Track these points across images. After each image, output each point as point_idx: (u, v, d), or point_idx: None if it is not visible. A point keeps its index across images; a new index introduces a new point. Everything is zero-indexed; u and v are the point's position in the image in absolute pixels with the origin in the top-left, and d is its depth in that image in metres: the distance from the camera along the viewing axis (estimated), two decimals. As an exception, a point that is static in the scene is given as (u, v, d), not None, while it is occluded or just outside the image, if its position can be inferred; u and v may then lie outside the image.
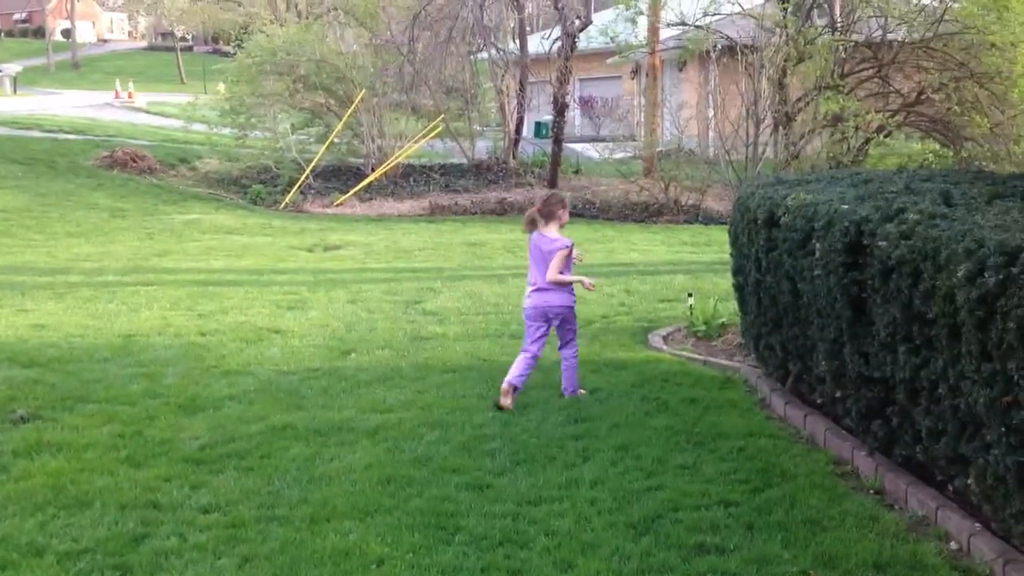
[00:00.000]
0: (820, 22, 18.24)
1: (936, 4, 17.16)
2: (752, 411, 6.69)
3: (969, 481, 4.48)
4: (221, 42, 67.24)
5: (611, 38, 21.97)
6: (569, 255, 7.00)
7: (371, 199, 21.44)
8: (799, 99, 17.51)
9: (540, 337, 7.07)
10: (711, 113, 21.03)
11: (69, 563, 4.47)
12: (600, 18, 25.73)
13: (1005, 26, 14.95)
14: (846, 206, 5.57)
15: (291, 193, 21.19)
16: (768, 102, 17.75)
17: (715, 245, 15.03)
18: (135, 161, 22.92)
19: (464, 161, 23.96)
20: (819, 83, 16.76)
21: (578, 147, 27.47)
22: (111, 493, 5.28)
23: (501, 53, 24.61)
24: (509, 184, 22.70)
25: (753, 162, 17.91)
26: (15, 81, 52.17)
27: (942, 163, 15.63)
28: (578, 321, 8.33)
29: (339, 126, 22.80)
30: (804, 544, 4.56)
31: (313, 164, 22.20)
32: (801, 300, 6.11)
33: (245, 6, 48.52)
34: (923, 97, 17.08)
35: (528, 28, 27.59)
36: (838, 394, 5.78)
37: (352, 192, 21.42)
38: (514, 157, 24.23)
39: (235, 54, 25.48)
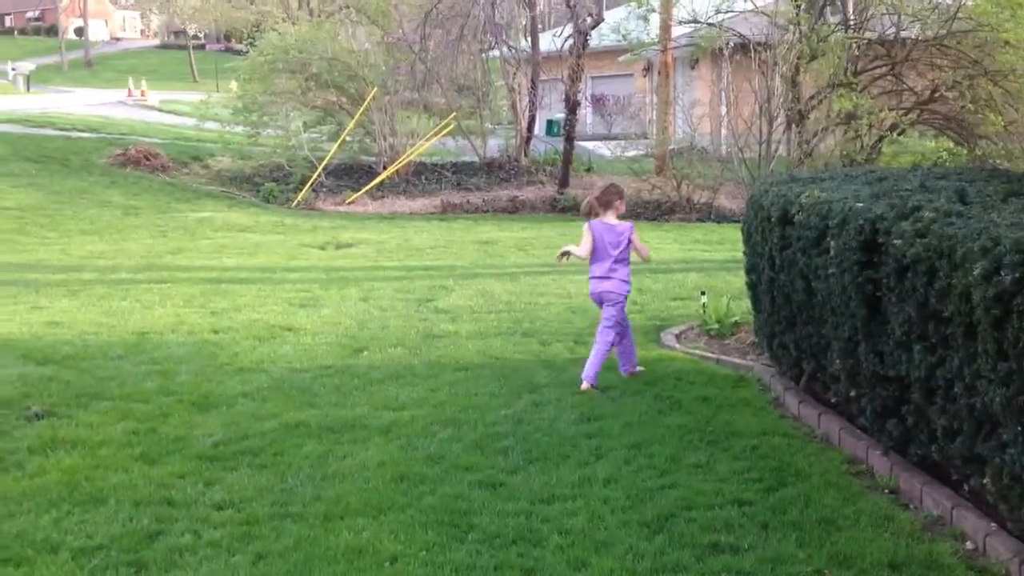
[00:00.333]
0: (833, 19, 18.17)
1: (950, 2, 17.09)
2: (766, 410, 6.68)
3: (985, 480, 4.45)
4: (233, 40, 67.43)
5: (623, 36, 21.95)
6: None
7: (383, 197, 21.47)
8: (812, 97, 17.45)
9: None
10: (724, 111, 20.98)
11: (84, 559, 4.48)
12: (612, 16, 25.71)
13: (1019, 24, 14.86)
14: (861, 204, 5.54)
15: (303, 191, 21.23)
16: (781, 100, 17.70)
17: (728, 243, 15.00)
18: (148, 159, 22.99)
19: (476, 159, 23.97)
20: (832, 81, 16.70)
21: (590, 145, 27.45)
22: (126, 490, 5.30)
23: (513, 51, 24.59)
24: (521, 182, 22.70)
25: (766, 160, 17.86)
26: (28, 79, 52.42)
27: (956, 161, 15.57)
28: (590, 319, 8.32)
29: (351, 124, 22.83)
30: (819, 543, 4.55)
31: (325, 162, 22.23)
32: (815, 298, 6.09)
33: (257, 4, 48.69)
34: (937, 95, 17.01)
35: (540, 26, 27.53)
36: (853, 393, 5.76)
37: (364, 190, 21.45)
38: (526, 155, 24.22)
39: (247, 52, 25.54)
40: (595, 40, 23.47)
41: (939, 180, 6.28)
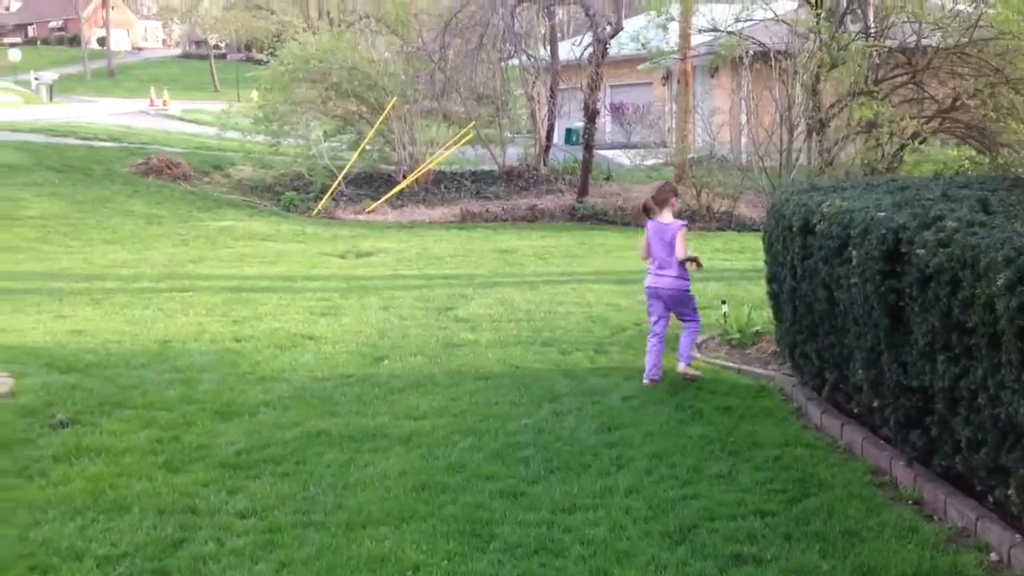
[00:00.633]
0: (854, 28, 18.10)
1: (971, 10, 16.99)
2: (788, 420, 6.65)
3: (1010, 492, 4.43)
4: (254, 50, 67.78)
5: (642, 44, 21.95)
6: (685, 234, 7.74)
7: (402, 206, 21.53)
8: (832, 105, 17.37)
9: (660, 318, 7.71)
10: (743, 119, 20.93)
11: (108, 567, 4.52)
12: (631, 24, 25.68)
13: (1042, 31, 14.76)
14: (883, 213, 5.52)
15: (323, 200, 21.32)
16: (802, 108, 17.63)
17: (748, 252, 14.96)
18: (170, 168, 23.14)
19: (495, 168, 24.01)
20: (853, 89, 16.62)
21: (609, 154, 27.44)
22: (149, 498, 5.33)
23: (532, 60, 24.64)
24: (540, 191, 22.72)
25: (787, 168, 17.80)
26: (51, 89, 52.89)
27: (978, 170, 15.44)
28: (610, 328, 8.28)
29: (371, 133, 22.91)
30: (843, 555, 4.53)
31: (345, 171, 22.32)
32: (837, 308, 6.07)
33: (278, 14, 48.97)
34: (958, 103, 16.88)
35: (559, 35, 27.58)
36: (876, 403, 5.73)
37: (383, 199, 21.52)
38: (545, 164, 24.25)
39: (268, 62, 25.67)
40: (614, 49, 23.45)
41: (961, 189, 6.25)
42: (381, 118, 22.65)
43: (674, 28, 22.98)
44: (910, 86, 17.75)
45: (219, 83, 62.86)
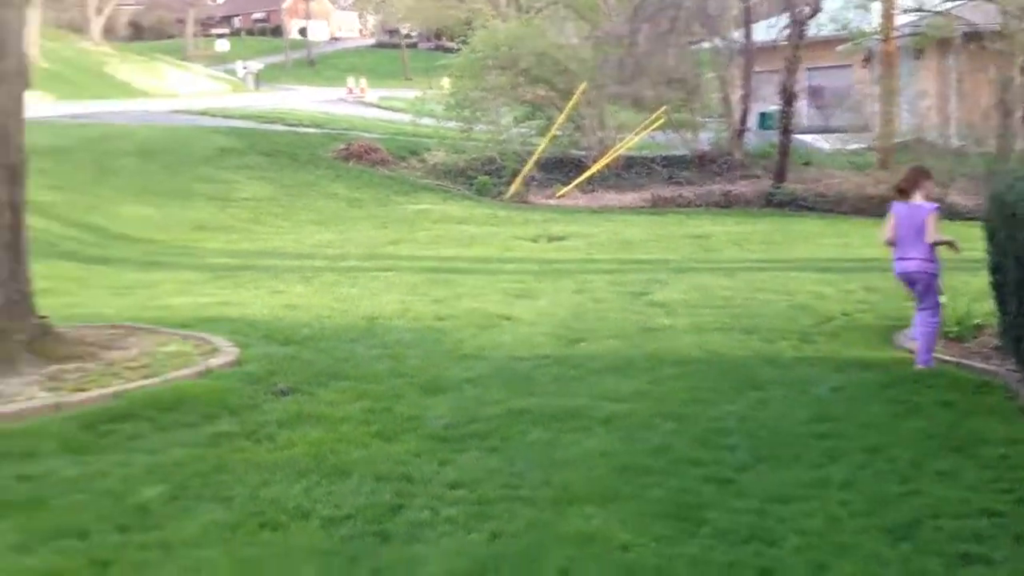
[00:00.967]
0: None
1: None
2: (1014, 418, 6.28)
3: None
4: (444, 38, 69.35)
5: (842, 25, 21.13)
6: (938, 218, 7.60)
7: (592, 191, 21.57)
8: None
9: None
10: (952, 102, 19.86)
11: (333, 528, 4.74)
12: (830, 5, 24.77)
13: None
14: None
15: (515, 184, 21.61)
16: (1020, 91, 16.58)
17: (963, 241, 14.16)
18: (369, 153, 24.01)
19: (686, 153, 23.70)
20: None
21: (807, 138, 26.58)
22: (367, 464, 5.56)
23: (725, 43, 24.14)
24: (734, 176, 22.28)
25: (1004, 154, 16.77)
26: (258, 78, 55.80)
27: None
28: (816, 317, 8.02)
29: (560, 118, 23.04)
30: (1082, 561, 4.25)
31: (536, 156, 22.55)
32: (1074, 301, 5.67)
33: (468, 2, 49.86)
34: None
35: (753, 16, 26.88)
36: (1117, 403, 5.34)
37: (574, 184, 21.62)
38: (739, 148, 23.74)
39: (458, 50, 26.20)
40: (812, 30, 22.69)
41: None
42: (571, 103, 22.73)
43: (876, 8, 22.00)
44: None
45: (410, 71, 64.60)
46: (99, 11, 58.40)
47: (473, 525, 4.79)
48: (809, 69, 33.10)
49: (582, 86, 22.64)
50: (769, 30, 24.36)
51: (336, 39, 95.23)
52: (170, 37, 78.05)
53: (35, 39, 36.63)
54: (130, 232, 16.26)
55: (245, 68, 57.19)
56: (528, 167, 22.22)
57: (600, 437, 6.10)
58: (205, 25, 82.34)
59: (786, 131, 21.51)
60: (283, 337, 8.63)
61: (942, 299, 8.62)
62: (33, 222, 7.91)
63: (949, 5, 17.90)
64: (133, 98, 39.71)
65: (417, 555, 4.48)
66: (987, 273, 7.47)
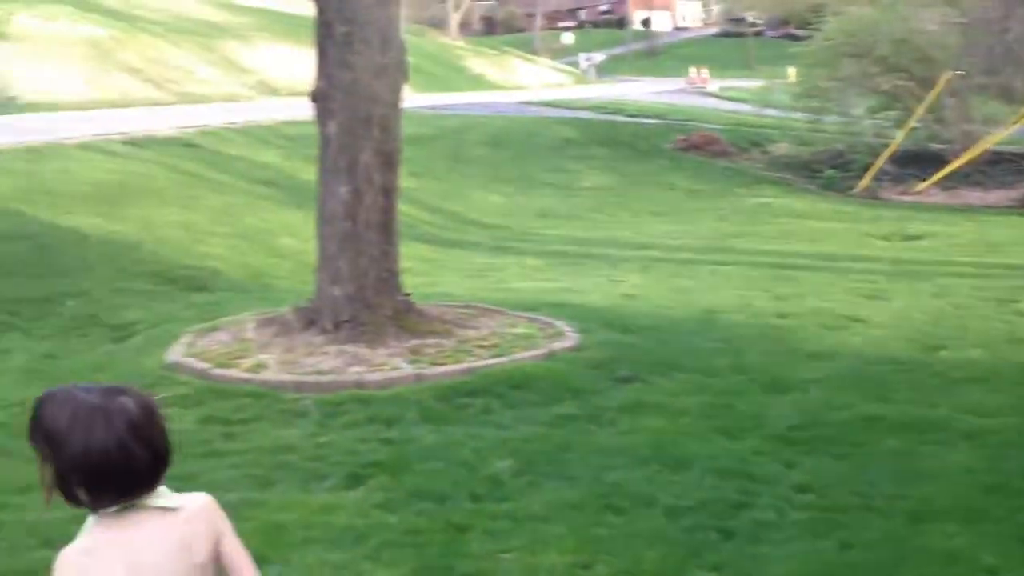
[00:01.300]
0: None
1: None
2: None
3: None
4: (791, 26, 67.24)
5: None
6: None
7: (953, 187, 20.02)
8: None
9: None
10: None
11: (676, 518, 4.73)
12: None
13: None
14: None
15: (865, 178, 20.53)
16: None
17: None
18: (709, 144, 23.80)
19: (1064, 149, 21.40)
20: None
21: None
22: (707, 459, 5.50)
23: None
24: (1123, 175, 19.82)
25: None
26: (599, 69, 57.06)
27: None
28: None
29: (920, 109, 21.55)
30: None
31: (891, 149, 21.27)
32: None
33: (820, -12, 47.94)
34: None
35: None
36: None
37: (933, 179, 20.18)
38: None
39: (808, 38, 25.27)
40: None
41: None
42: (932, 93, 21.20)
43: None
44: None
45: (755, 60, 63.27)
46: (456, 7, 62.29)
47: (821, 531, 4.61)
48: None
49: (946, 75, 21.05)
50: None
51: (679, 29, 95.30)
52: (519, 31, 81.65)
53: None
54: (480, 218, 17.20)
55: (588, 60, 58.70)
56: (881, 160, 21.01)
57: (963, 452, 5.64)
58: (552, 19, 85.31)
59: None
60: (622, 325, 8.74)
61: None
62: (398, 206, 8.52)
63: None
64: (485, 90, 41.98)
65: (761, 555, 4.38)
66: None
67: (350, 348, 7.41)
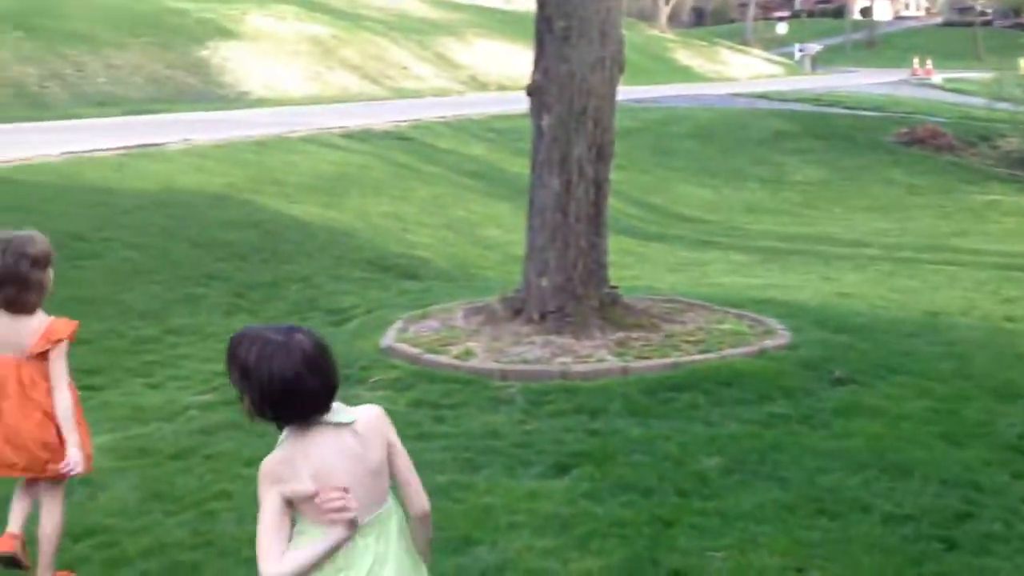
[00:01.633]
0: None
1: None
2: None
3: None
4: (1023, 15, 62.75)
5: None
6: None
7: None
8: None
9: None
10: None
11: (894, 525, 4.53)
12: None
13: None
14: None
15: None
16: None
17: None
18: (934, 138, 22.56)
19: None
20: None
21: None
22: (929, 466, 5.22)
23: None
24: None
25: None
26: (814, 60, 55.03)
27: None
28: None
29: None
30: None
31: None
32: None
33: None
34: None
35: None
36: None
37: None
38: None
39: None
40: None
41: None
42: None
43: None
44: None
45: (983, 51, 59.39)
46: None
47: None
48: None
49: None
50: None
51: (900, 18, 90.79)
52: (731, 21, 79.89)
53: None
54: (685, 211, 16.99)
55: (801, 51, 56.69)
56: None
57: None
58: (766, 8, 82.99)
59: None
60: (836, 324, 8.40)
61: None
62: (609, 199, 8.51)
63: None
64: (693, 82, 41.35)
65: (988, 568, 4.14)
66: None
67: (556, 339, 7.46)
